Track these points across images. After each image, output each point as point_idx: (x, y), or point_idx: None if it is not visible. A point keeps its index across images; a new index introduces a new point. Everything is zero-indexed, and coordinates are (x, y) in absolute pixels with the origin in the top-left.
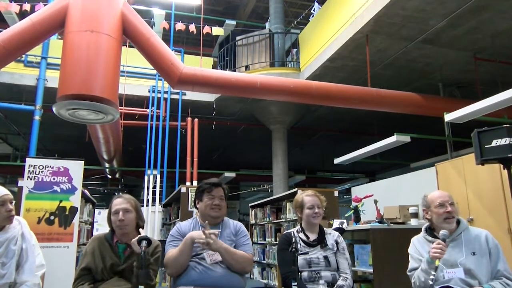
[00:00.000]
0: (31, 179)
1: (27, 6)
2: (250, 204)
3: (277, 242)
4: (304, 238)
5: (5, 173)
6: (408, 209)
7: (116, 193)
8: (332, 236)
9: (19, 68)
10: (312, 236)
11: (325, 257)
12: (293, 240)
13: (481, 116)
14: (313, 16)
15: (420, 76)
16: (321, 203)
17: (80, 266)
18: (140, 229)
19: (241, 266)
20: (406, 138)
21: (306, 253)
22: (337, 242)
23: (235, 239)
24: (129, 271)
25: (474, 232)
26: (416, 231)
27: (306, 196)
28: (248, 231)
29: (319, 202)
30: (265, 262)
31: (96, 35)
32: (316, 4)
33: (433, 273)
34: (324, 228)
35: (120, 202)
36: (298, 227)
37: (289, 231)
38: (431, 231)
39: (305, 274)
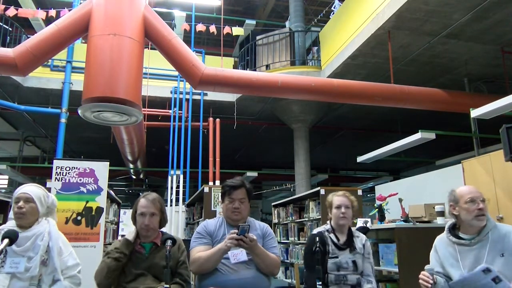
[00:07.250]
0: (58, 180)
1: (52, 12)
2: (272, 203)
3: (300, 242)
4: (335, 240)
5: (34, 175)
6: (434, 208)
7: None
8: (360, 239)
9: (45, 72)
10: (342, 238)
11: (354, 262)
12: (326, 242)
13: (509, 112)
14: (333, 13)
15: (444, 72)
16: (351, 203)
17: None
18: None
19: (270, 270)
20: (431, 135)
21: (336, 256)
22: (363, 246)
23: (263, 242)
24: (155, 267)
25: (503, 230)
26: (442, 230)
27: (335, 195)
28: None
29: (347, 202)
30: (288, 261)
31: (119, 38)
32: (336, 1)
33: None
34: (352, 229)
35: (146, 205)
36: (328, 226)
37: (320, 230)
38: (454, 231)
39: (332, 276)
